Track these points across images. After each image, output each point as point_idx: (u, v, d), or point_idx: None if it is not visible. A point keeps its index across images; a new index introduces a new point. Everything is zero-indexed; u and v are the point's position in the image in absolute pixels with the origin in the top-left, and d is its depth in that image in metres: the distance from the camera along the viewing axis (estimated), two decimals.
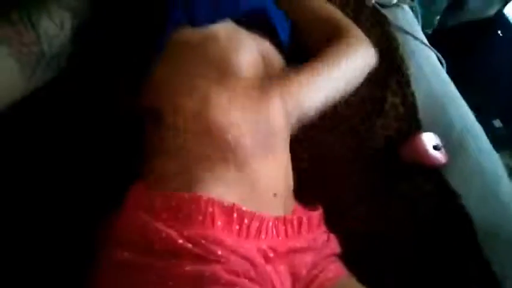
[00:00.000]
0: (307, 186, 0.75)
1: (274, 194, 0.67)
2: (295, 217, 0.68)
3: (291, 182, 0.73)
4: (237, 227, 0.60)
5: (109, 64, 0.76)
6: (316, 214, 0.72)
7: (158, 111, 0.67)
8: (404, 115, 0.87)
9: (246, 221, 0.61)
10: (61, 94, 0.77)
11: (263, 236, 0.63)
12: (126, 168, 0.68)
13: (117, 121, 0.76)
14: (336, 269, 0.71)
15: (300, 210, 0.72)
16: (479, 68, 1.47)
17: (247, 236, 0.61)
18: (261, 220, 0.63)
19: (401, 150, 0.82)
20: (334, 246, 0.73)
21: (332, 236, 0.73)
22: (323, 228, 0.73)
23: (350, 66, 0.75)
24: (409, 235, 0.77)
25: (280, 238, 0.65)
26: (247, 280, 0.57)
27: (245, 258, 0.59)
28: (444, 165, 0.80)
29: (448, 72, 0.97)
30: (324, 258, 0.71)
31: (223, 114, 0.65)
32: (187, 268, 0.54)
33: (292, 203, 0.73)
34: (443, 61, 1.00)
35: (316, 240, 0.71)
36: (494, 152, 0.84)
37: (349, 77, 0.76)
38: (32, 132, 0.75)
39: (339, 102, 0.80)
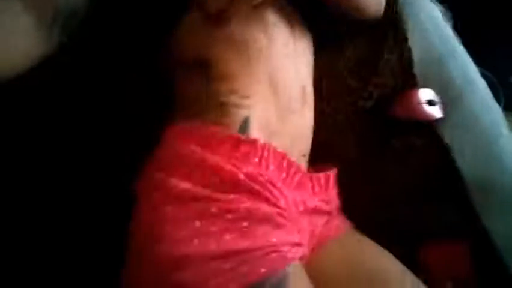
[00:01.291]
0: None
1: (304, 155, 0.70)
2: (321, 175, 0.71)
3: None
4: (284, 175, 0.63)
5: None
6: (333, 174, 0.74)
7: (206, 62, 0.66)
8: (400, 72, 0.85)
9: (292, 170, 0.64)
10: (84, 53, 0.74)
11: (300, 189, 0.66)
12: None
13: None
14: (339, 224, 0.73)
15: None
16: (496, 25, 1.39)
17: (290, 185, 0.64)
18: (302, 174, 0.65)
19: (395, 106, 0.80)
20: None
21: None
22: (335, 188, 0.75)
23: None
24: (400, 190, 0.76)
25: (309, 194, 0.68)
26: (291, 224, 0.60)
27: (287, 205, 0.61)
28: (438, 121, 0.78)
29: (462, 30, 0.92)
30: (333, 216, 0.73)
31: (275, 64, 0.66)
32: (246, 204, 0.56)
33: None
34: (449, 16, 0.95)
35: (332, 201, 0.73)
36: (496, 106, 0.81)
37: None
38: (56, 94, 0.74)
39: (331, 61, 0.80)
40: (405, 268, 0.64)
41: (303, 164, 0.71)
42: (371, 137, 0.81)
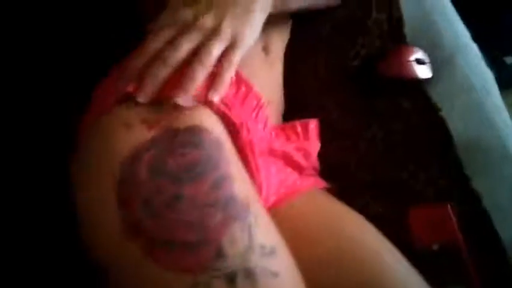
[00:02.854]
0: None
1: (268, 102, 0.65)
2: (297, 123, 0.69)
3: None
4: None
5: None
6: (313, 124, 0.70)
7: None
8: (388, 32, 0.81)
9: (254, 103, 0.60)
10: None
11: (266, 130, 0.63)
12: None
13: None
14: (314, 181, 0.69)
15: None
16: (493, 5, 1.38)
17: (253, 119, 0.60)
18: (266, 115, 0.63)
19: (382, 65, 0.76)
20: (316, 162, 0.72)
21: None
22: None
23: None
24: (385, 152, 0.72)
25: (281, 140, 0.67)
26: None
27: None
28: (427, 81, 0.74)
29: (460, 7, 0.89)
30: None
31: None
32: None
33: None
34: None
35: (311, 155, 0.70)
36: (488, 71, 0.78)
37: None
38: None
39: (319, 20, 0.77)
40: (383, 240, 0.58)
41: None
42: (356, 97, 0.78)
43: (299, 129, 0.69)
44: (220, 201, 0.44)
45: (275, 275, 0.42)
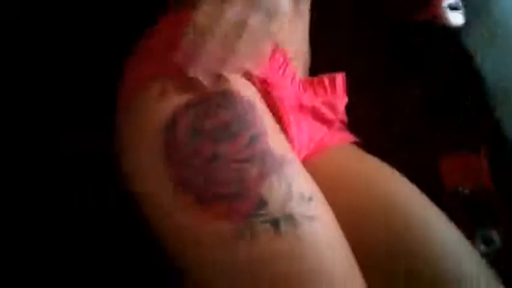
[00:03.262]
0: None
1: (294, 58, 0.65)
2: (325, 77, 0.68)
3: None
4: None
5: None
6: (340, 78, 0.70)
7: None
8: None
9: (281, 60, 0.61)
10: None
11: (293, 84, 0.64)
12: None
13: None
14: (342, 136, 0.70)
15: None
16: None
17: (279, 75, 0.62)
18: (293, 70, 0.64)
19: (417, 12, 0.76)
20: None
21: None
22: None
23: None
24: (417, 103, 0.73)
25: (309, 94, 0.67)
26: None
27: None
28: (460, 28, 0.73)
29: None
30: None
31: None
32: None
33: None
34: None
35: (339, 109, 0.69)
36: None
37: None
38: None
39: None
40: (417, 191, 0.59)
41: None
42: (389, 47, 0.78)
43: (327, 83, 0.69)
44: (256, 156, 0.47)
45: (314, 219, 0.46)
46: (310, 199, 0.47)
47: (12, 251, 0.68)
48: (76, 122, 0.74)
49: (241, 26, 0.52)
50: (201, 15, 0.52)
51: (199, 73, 0.50)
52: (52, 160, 0.73)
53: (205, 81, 0.50)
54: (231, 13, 0.52)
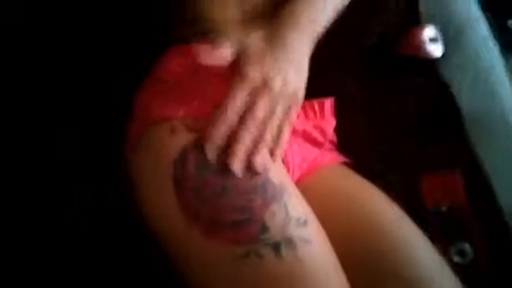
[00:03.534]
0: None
1: None
2: (315, 101, 0.73)
3: None
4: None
5: None
6: (329, 102, 0.75)
7: None
8: (405, 9, 0.87)
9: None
10: None
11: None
12: None
13: None
14: (332, 156, 0.76)
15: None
16: None
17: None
18: None
19: (398, 44, 0.83)
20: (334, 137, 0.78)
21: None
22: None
23: None
24: (400, 125, 0.81)
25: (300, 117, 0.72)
26: None
27: None
28: (440, 58, 0.81)
29: None
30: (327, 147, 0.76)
31: None
32: None
33: None
34: None
35: (328, 131, 0.75)
36: (491, 44, 0.84)
37: None
38: None
39: None
40: (400, 213, 0.65)
41: None
42: (371, 74, 0.85)
43: (316, 107, 0.74)
44: (259, 187, 0.53)
45: (310, 241, 0.52)
46: (305, 222, 0.53)
47: (12, 251, 0.70)
48: (76, 122, 0.77)
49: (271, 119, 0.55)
50: (233, 106, 0.53)
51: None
52: (52, 160, 0.75)
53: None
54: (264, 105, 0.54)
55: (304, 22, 0.56)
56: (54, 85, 0.79)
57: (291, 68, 0.54)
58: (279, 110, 0.54)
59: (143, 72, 0.67)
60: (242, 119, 0.52)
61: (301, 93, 0.56)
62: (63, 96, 0.79)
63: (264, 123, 0.53)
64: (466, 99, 0.77)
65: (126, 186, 0.61)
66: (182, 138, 0.55)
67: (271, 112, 0.53)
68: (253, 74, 0.52)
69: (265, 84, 0.52)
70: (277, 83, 0.53)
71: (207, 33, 0.63)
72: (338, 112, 0.79)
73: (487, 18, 0.87)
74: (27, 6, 0.78)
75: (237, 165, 0.52)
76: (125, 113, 0.66)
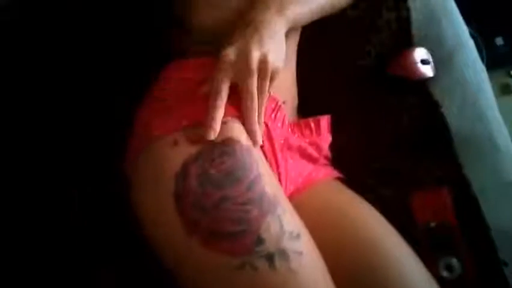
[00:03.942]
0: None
1: (283, 102, 0.73)
2: (311, 119, 0.76)
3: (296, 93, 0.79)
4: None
5: None
6: (325, 120, 0.78)
7: None
8: (397, 31, 0.90)
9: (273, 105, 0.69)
10: None
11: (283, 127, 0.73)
12: None
13: None
14: (327, 171, 0.78)
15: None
16: None
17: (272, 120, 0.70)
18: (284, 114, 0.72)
19: (391, 65, 0.86)
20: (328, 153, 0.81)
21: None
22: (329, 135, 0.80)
23: None
24: (392, 143, 0.83)
25: (296, 135, 0.76)
26: None
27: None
28: (430, 79, 0.84)
29: None
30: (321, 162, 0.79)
31: None
32: None
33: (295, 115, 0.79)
34: None
35: (323, 148, 0.78)
36: (480, 65, 0.87)
37: None
38: None
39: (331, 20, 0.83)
40: (391, 228, 0.67)
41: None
42: (366, 93, 0.88)
43: (312, 125, 0.77)
44: (255, 199, 0.55)
45: (303, 254, 0.54)
46: (298, 236, 0.56)
47: (12, 251, 0.71)
48: (77, 123, 0.79)
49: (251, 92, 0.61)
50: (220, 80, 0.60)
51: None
52: (52, 160, 0.77)
53: None
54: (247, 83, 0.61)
55: (274, 4, 0.64)
56: (54, 87, 0.81)
57: (272, 49, 0.61)
58: (255, 88, 0.61)
59: (143, 87, 0.69)
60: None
61: (280, 70, 0.63)
62: (63, 97, 0.80)
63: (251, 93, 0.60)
64: (454, 121, 0.80)
65: (125, 187, 0.63)
66: (185, 150, 0.58)
67: (251, 84, 0.60)
68: (231, 50, 0.60)
69: (246, 61, 0.59)
70: (255, 59, 0.59)
71: (203, 44, 0.67)
72: (332, 129, 0.82)
73: (475, 36, 0.91)
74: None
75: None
76: (125, 127, 0.68)
